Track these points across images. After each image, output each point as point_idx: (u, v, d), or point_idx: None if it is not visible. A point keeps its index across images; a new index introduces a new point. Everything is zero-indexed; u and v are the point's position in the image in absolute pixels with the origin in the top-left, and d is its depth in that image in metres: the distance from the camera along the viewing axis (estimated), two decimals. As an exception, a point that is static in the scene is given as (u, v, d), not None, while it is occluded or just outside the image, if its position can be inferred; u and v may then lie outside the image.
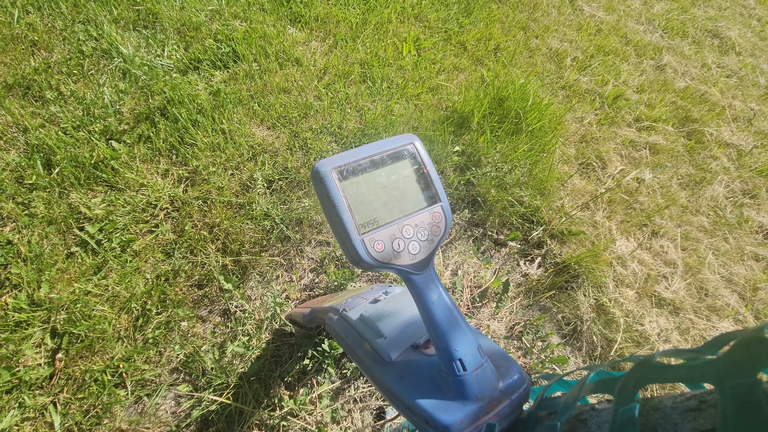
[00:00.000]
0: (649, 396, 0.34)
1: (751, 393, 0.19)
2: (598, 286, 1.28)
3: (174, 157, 1.23)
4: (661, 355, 0.30)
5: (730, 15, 2.94)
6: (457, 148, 1.45)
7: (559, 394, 0.47)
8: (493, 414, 0.42)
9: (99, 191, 1.12)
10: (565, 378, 0.49)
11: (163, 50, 1.45)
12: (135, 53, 1.40)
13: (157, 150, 1.23)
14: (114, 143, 1.20)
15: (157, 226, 1.11)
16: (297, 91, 1.48)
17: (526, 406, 0.48)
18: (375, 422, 0.93)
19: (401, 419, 0.93)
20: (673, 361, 0.31)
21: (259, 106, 1.39)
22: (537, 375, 1.09)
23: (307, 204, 1.21)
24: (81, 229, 1.06)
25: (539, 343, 1.15)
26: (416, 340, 0.52)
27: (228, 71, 1.47)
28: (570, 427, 0.34)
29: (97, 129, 1.20)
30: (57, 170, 1.11)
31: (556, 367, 1.12)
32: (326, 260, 1.16)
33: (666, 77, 2.18)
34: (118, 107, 1.27)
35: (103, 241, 1.05)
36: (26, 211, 1.05)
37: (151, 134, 1.23)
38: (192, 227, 1.12)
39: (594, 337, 1.19)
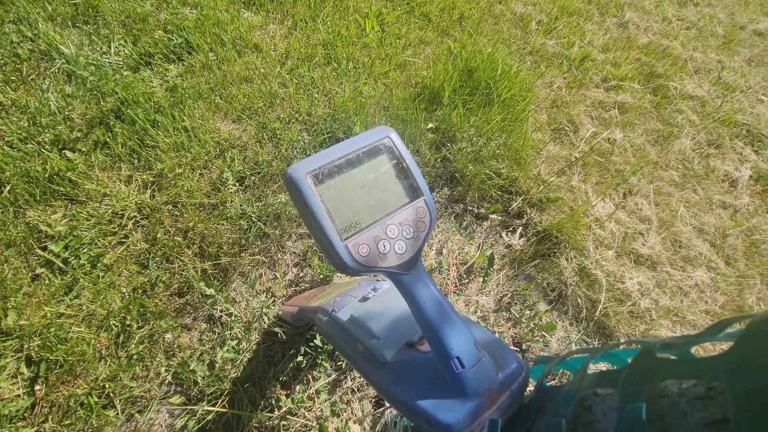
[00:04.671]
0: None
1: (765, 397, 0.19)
2: (579, 249, 1.30)
3: (136, 161, 1.16)
4: (662, 344, 0.30)
5: (687, -35, 2.95)
6: (430, 125, 1.42)
7: (555, 383, 0.48)
8: (495, 408, 0.41)
9: (58, 206, 1.05)
10: (565, 357, 0.49)
11: (110, 47, 1.35)
12: (78, 52, 1.29)
13: (117, 156, 1.15)
14: (68, 153, 1.12)
15: (126, 236, 1.06)
16: (259, 79, 1.41)
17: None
18: (375, 410, 0.94)
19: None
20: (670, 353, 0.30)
21: (221, 98, 1.32)
22: (532, 357, 1.11)
23: (283, 198, 1.17)
24: (44, 248, 1.00)
25: (527, 312, 1.18)
26: (410, 338, 0.51)
27: (183, 64, 1.38)
28: (574, 414, 0.34)
29: (47, 139, 1.12)
30: (8, 188, 1.03)
31: (546, 334, 1.14)
32: (309, 253, 1.14)
33: (629, 34, 2.19)
34: (67, 113, 1.18)
35: (69, 259, 0.99)
36: (-20, 236, 0.98)
37: (108, 139, 1.16)
38: (164, 234, 1.07)
39: (579, 299, 1.22)
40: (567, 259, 1.28)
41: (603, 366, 0.96)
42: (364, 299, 0.60)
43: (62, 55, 1.28)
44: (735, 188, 1.69)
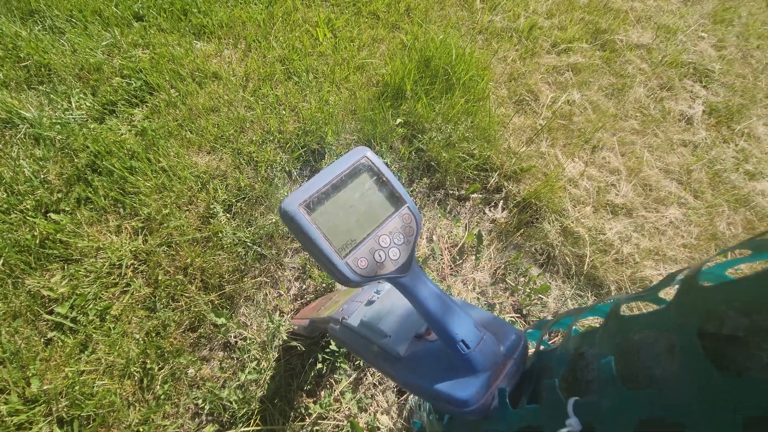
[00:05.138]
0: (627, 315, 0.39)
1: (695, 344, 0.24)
2: (559, 211, 1.38)
3: (121, 210, 1.18)
4: (629, 298, 0.35)
5: None
6: (399, 120, 1.47)
7: (558, 339, 0.53)
8: (502, 377, 0.47)
9: (55, 269, 1.07)
10: (557, 320, 0.55)
11: (70, 102, 1.35)
12: (40, 114, 1.29)
13: (101, 209, 1.17)
14: (53, 215, 1.13)
15: (128, 284, 1.08)
16: (225, 106, 1.43)
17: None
18: (398, 399, 0.99)
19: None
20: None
21: (191, 133, 1.34)
22: (533, 320, 1.18)
23: (272, 218, 1.21)
24: (50, 312, 1.01)
25: (522, 279, 1.24)
26: (418, 330, 0.57)
27: (147, 106, 1.40)
28: (573, 363, 0.39)
29: (29, 206, 1.13)
30: (1, 261, 1.05)
31: (543, 296, 1.21)
32: (307, 265, 1.18)
33: (570, -4, 2.26)
34: (43, 177, 1.19)
35: (78, 318, 1.01)
36: (-16, 313, 0.99)
37: (89, 194, 1.17)
38: (165, 275, 1.10)
39: (566, 258, 1.30)
40: (549, 223, 1.35)
41: (595, 320, 1.04)
42: (370, 303, 0.65)
43: (25, 120, 1.28)
44: (691, 125, 1.79)
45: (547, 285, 1.21)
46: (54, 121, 1.29)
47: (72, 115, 1.32)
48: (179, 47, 1.55)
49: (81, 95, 1.37)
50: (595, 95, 1.78)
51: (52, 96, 1.35)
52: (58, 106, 1.34)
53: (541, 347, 0.53)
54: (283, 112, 1.45)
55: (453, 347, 0.48)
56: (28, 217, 1.11)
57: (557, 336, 1.12)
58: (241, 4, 1.75)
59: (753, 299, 0.26)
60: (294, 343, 1.01)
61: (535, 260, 1.31)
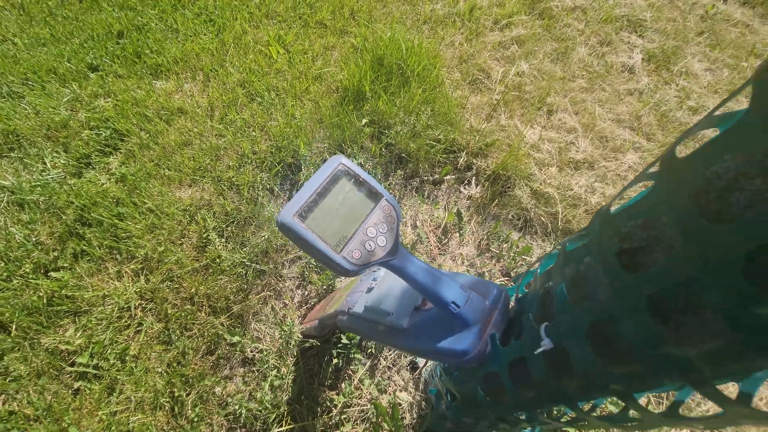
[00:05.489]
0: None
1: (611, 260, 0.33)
2: (527, 177, 1.48)
3: (118, 256, 1.23)
4: (568, 239, 0.44)
5: None
6: (364, 120, 1.54)
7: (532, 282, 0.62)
8: (491, 326, 0.56)
9: (67, 323, 1.11)
10: (527, 271, 0.64)
11: (45, 163, 1.38)
12: (19, 180, 1.32)
13: (99, 258, 1.22)
14: (53, 274, 1.17)
15: (140, 324, 1.13)
16: (197, 138, 1.48)
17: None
18: (413, 375, 1.08)
19: (429, 364, 1.08)
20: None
21: (169, 170, 1.39)
22: (513, 276, 1.28)
23: (264, 235, 1.27)
24: (72, 364, 1.06)
25: (504, 246, 1.34)
26: (415, 303, 0.65)
27: (120, 152, 1.44)
28: (542, 299, 0.48)
29: (28, 269, 1.17)
30: (13, 327, 1.09)
31: (526, 257, 1.31)
32: (305, 272, 1.25)
33: (502, -28, 2.36)
34: (35, 239, 1.22)
35: (99, 364, 1.06)
36: (8, 378, 1.04)
37: (84, 247, 1.22)
38: (173, 308, 1.15)
39: (541, 218, 1.40)
40: (520, 189, 1.45)
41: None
42: (370, 290, 0.73)
43: (4, 188, 1.30)
44: (634, 74, 1.91)
45: (528, 246, 1.31)
46: (33, 184, 1.32)
47: (49, 175, 1.36)
48: (140, 90, 1.58)
49: (54, 154, 1.41)
50: (541, 62, 1.89)
51: (25, 160, 1.38)
52: (34, 169, 1.37)
53: (519, 295, 0.61)
54: (254, 134, 1.50)
55: (446, 309, 0.56)
56: (29, 281, 1.15)
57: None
58: (191, 37, 1.79)
59: (647, 217, 0.35)
60: (308, 344, 1.08)
61: (513, 225, 1.40)
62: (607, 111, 1.73)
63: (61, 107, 1.52)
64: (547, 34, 2.03)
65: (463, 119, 1.60)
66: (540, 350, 0.43)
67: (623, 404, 0.40)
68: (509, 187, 1.47)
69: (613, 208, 0.43)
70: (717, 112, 0.31)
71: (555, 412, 0.56)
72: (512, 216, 1.41)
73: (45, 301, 1.12)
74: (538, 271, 0.53)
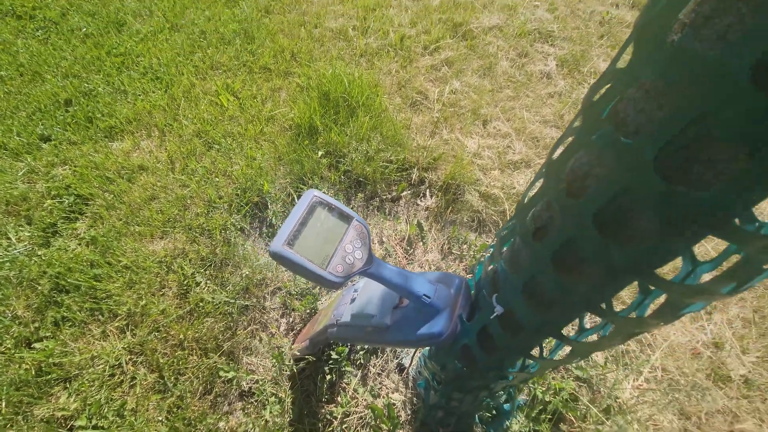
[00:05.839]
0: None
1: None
2: (474, 182, 1.64)
3: (100, 317, 1.26)
4: (504, 227, 0.58)
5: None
6: (320, 152, 1.66)
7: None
8: (458, 309, 0.68)
9: (59, 390, 1.13)
10: (479, 261, 0.78)
11: (9, 238, 1.39)
12: (-16, 259, 1.32)
13: (81, 322, 1.24)
14: (36, 345, 1.18)
15: (134, 377, 1.16)
16: (161, 192, 1.53)
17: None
18: (401, 376, 1.18)
19: (414, 363, 1.19)
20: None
21: (138, 226, 1.44)
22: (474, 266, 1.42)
23: (243, 272, 1.34)
24: (71, 429, 1.07)
25: (464, 247, 1.49)
26: (393, 303, 0.76)
27: (87, 216, 1.47)
28: (492, 279, 0.61)
29: (9, 345, 1.17)
30: (3, 404, 1.09)
31: (485, 253, 1.46)
32: (287, 301, 1.33)
33: (424, 3, 2.61)
34: (11, 314, 1.23)
35: (99, 424, 1.08)
36: (5, 456, 1.03)
37: (64, 314, 1.23)
38: (164, 357, 1.19)
39: (492, 217, 1.56)
40: (470, 194, 1.61)
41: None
42: (353, 300, 0.84)
43: (-30, 269, 1.30)
44: (551, 79, 2.17)
45: (485, 244, 1.46)
46: (2, 260, 1.32)
47: (16, 249, 1.36)
48: (97, 153, 1.62)
49: (18, 228, 1.41)
50: (470, 79, 2.10)
51: (-12, 239, 1.38)
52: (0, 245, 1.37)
53: (477, 281, 0.75)
54: (217, 179, 1.58)
55: (419, 301, 0.68)
56: (13, 356, 1.15)
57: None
58: (140, 96, 1.85)
59: (544, 201, 0.49)
60: (302, 364, 1.16)
61: (469, 227, 1.56)
62: (534, 114, 1.95)
63: (18, 181, 1.53)
64: (471, 53, 2.26)
65: (409, 139, 1.76)
66: (494, 315, 0.56)
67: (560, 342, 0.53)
68: (460, 194, 1.63)
69: (525, 200, 0.57)
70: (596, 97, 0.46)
71: (519, 364, 0.69)
72: (467, 219, 1.57)
73: (33, 372, 1.13)
74: (486, 258, 0.66)
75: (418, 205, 1.62)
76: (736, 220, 0.33)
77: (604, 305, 0.45)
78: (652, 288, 0.47)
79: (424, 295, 0.69)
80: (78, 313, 1.24)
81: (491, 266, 0.64)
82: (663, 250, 0.37)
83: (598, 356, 1.29)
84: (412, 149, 1.73)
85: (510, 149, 1.79)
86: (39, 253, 1.36)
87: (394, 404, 1.12)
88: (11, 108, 1.76)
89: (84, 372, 1.15)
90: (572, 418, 1.16)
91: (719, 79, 0.27)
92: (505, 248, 0.61)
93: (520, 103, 2.00)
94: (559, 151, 0.47)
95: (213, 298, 1.29)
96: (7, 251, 1.36)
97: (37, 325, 1.22)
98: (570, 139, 0.46)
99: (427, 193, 1.65)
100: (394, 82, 2.05)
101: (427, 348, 0.97)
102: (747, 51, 0.25)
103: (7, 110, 1.77)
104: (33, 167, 1.57)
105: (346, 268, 0.61)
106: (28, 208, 1.46)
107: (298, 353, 1.14)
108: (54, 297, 1.26)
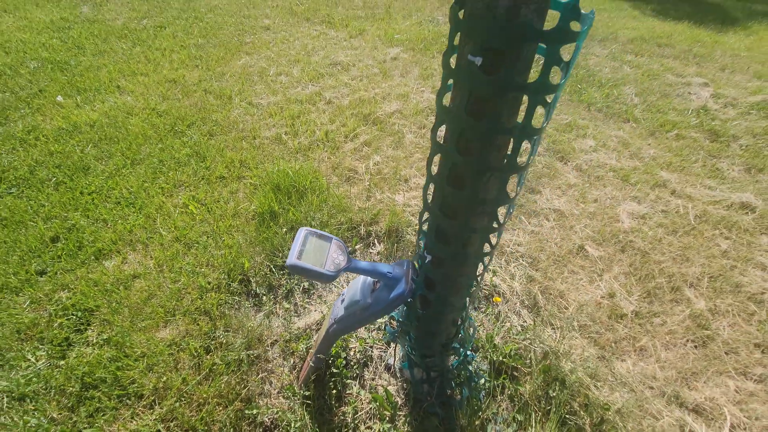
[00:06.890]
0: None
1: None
2: (409, 225, 2.13)
3: (128, 401, 1.46)
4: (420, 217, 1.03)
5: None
6: (284, 229, 2.07)
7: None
8: (410, 276, 1.09)
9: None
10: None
11: (28, 359, 1.57)
12: (10, 380, 1.49)
13: (113, 408, 1.43)
14: (77, 438, 1.35)
15: (171, 440, 1.37)
16: (157, 289, 1.81)
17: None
18: (389, 371, 1.51)
19: (398, 358, 1.53)
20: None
21: (144, 321, 1.69)
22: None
23: (243, 334, 1.63)
24: (125, 496, 1.24)
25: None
26: (371, 288, 1.15)
27: (95, 324, 1.69)
28: (424, 246, 1.04)
29: (52, 444, 1.33)
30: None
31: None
32: (285, 349, 1.62)
33: (336, 104, 3.29)
34: (48, 417, 1.39)
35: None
36: None
37: (97, 405, 1.42)
38: (191, 414, 1.42)
39: (428, 245, 2.03)
40: (408, 234, 2.08)
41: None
42: (342, 300, 1.21)
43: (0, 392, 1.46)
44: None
45: (427, 265, 1.90)
46: (25, 379, 1.50)
47: (36, 367, 1.55)
48: (91, 275, 1.89)
49: (33, 349, 1.60)
50: (387, 152, 2.70)
51: (9, 363, 1.55)
52: (20, 367, 1.54)
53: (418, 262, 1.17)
54: (203, 270, 1.90)
55: (385, 278, 1.09)
56: (57, 452, 1.31)
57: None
58: (119, 221, 2.17)
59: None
60: (309, 391, 1.45)
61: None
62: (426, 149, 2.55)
63: (24, 312, 1.73)
64: (383, 133, 2.90)
65: (351, 204, 2.24)
66: (428, 260, 0.99)
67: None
68: (401, 236, 2.09)
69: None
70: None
71: (454, 292, 1.10)
72: (411, 253, 2.02)
73: (80, 459, 1.30)
74: (418, 240, 1.10)
75: (371, 252, 2.05)
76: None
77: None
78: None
79: (388, 272, 1.10)
80: (108, 400, 1.44)
81: (420, 240, 1.09)
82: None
83: (527, 320, 1.73)
84: (354, 212, 2.20)
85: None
86: (59, 363, 1.55)
87: (391, 393, 1.43)
88: (2, 255, 1.98)
89: (126, 447, 1.34)
90: (521, 368, 1.55)
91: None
92: (425, 226, 1.05)
93: (418, 158, 2.60)
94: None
95: (224, 358, 1.56)
96: (27, 371, 1.53)
97: (74, 420, 1.39)
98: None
99: (375, 241, 2.09)
100: (329, 166, 2.58)
101: (401, 319, 1.35)
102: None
103: (-3, 258, 1.99)
104: (36, 298, 1.79)
105: (336, 267, 1.02)
106: (40, 331, 1.66)
107: (307, 379, 1.44)
108: (84, 394, 1.45)
